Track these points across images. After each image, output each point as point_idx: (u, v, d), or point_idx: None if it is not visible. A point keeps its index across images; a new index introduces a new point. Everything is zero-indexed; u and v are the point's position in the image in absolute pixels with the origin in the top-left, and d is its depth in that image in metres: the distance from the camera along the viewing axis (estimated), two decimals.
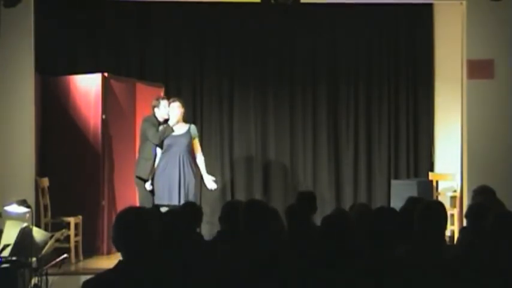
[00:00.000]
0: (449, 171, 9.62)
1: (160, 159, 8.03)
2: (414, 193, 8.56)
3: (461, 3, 8.59)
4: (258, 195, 9.80)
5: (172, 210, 5.79)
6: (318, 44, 10.11)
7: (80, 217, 8.53)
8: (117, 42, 9.81)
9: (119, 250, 3.25)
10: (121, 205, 8.96)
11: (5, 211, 6.89)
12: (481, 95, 8.47)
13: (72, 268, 7.98)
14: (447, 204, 9.28)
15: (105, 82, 8.84)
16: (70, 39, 9.53)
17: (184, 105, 8.18)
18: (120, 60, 9.87)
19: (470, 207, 4.89)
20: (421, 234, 4.23)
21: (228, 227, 5.00)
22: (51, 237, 6.87)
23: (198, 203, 7.93)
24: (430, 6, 9.89)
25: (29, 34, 8.10)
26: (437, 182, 9.70)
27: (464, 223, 5.03)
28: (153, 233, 3.25)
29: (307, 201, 5.98)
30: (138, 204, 7.89)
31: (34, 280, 6.45)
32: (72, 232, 8.28)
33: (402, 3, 9.57)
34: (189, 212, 5.30)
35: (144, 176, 8.16)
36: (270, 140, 10.16)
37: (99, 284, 3.18)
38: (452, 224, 9.13)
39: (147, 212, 3.37)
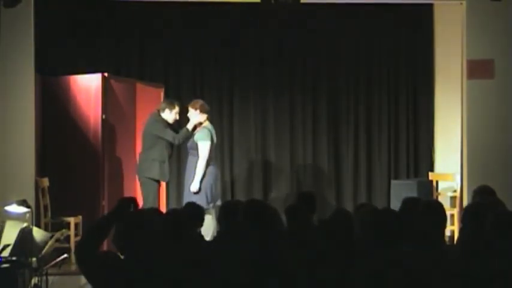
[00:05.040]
0: (449, 171, 9.61)
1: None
2: (414, 193, 8.57)
3: (461, 3, 8.59)
4: (258, 195, 9.80)
5: (173, 210, 5.79)
6: (318, 44, 10.10)
7: (80, 217, 8.53)
8: (117, 42, 9.81)
9: (119, 250, 3.26)
10: None
11: (5, 211, 6.89)
12: (481, 95, 8.47)
13: (72, 268, 7.96)
14: (447, 204, 9.28)
15: (105, 82, 8.83)
16: (70, 39, 9.53)
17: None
18: (120, 60, 9.87)
19: (466, 208, 4.90)
20: (420, 234, 4.23)
21: (228, 227, 5.00)
22: (51, 237, 6.87)
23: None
24: (430, 6, 9.89)
25: (29, 34, 8.10)
26: (437, 182, 9.69)
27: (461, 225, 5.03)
28: (153, 234, 3.26)
29: (307, 201, 5.99)
30: (147, 205, 7.93)
31: (34, 280, 6.46)
32: (72, 232, 8.28)
33: (402, 3, 9.57)
34: (190, 212, 5.30)
35: (160, 178, 8.29)
36: (270, 140, 10.16)
37: (110, 258, 3.19)
38: (452, 224, 9.12)
39: (147, 213, 3.38)
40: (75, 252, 3.46)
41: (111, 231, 3.37)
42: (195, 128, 8.34)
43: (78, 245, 3.51)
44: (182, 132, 8.33)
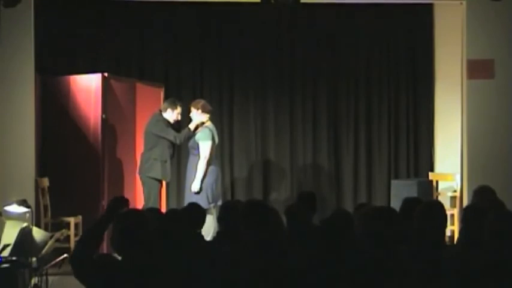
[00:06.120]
0: (449, 171, 9.62)
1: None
2: (414, 193, 8.57)
3: (461, 3, 8.59)
4: (258, 195, 9.80)
5: (174, 210, 5.78)
6: (318, 43, 10.10)
7: (80, 217, 8.54)
8: (117, 42, 9.80)
9: (118, 251, 3.25)
10: None
11: (5, 211, 6.89)
12: (481, 95, 8.47)
13: None
14: (447, 204, 9.28)
15: (105, 82, 8.84)
16: (70, 39, 9.53)
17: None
18: (120, 60, 9.87)
19: (466, 208, 4.90)
20: (420, 234, 4.23)
21: (228, 228, 5.00)
22: (51, 237, 6.87)
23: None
24: (430, 6, 9.89)
25: (29, 34, 8.11)
26: (437, 182, 9.70)
27: (460, 226, 5.03)
28: (153, 234, 3.26)
29: (307, 201, 5.99)
30: (149, 205, 7.96)
31: (34, 280, 6.45)
32: (72, 232, 8.28)
33: (402, 3, 9.57)
34: (191, 213, 5.30)
35: (162, 178, 8.33)
36: (270, 140, 10.16)
37: (108, 261, 3.18)
38: (452, 224, 9.13)
39: (147, 214, 3.38)
40: (71, 260, 3.42)
41: (105, 234, 3.37)
42: (196, 127, 8.35)
43: (74, 251, 3.47)
44: (184, 132, 8.35)
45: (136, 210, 3.56)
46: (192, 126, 8.32)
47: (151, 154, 8.30)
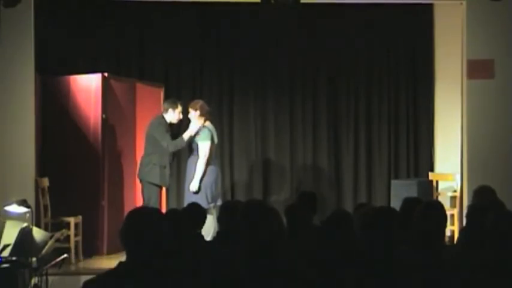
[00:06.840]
0: (449, 171, 9.62)
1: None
2: (414, 193, 8.57)
3: (461, 3, 8.59)
4: (257, 195, 9.80)
5: (174, 210, 5.79)
6: (318, 43, 10.10)
7: (80, 217, 8.53)
8: (117, 42, 9.81)
9: (125, 247, 3.25)
10: (121, 205, 8.97)
11: (5, 211, 6.89)
12: (481, 95, 8.47)
13: (72, 268, 7.98)
14: (447, 204, 9.28)
15: (105, 82, 8.84)
16: (70, 39, 9.53)
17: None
18: (120, 60, 9.87)
19: (470, 207, 4.90)
20: (420, 234, 4.23)
21: (228, 228, 5.00)
22: (51, 237, 6.87)
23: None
24: (430, 6, 9.89)
25: (29, 34, 8.10)
26: (437, 182, 9.70)
27: (465, 223, 5.03)
28: (161, 235, 3.26)
29: (307, 201, 5.99)
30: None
31: (34, 280, 6.46)
32: (72, 232, 8.28)
33: (402, 3, 9.58)
34: (191, 213, 5.30)
35: (161, 183, 8.31)
36: (270, 140, 10.17)
37: (100, 284, 3.18)
38: (452, 224, 9.13)
39: (157, 213, 3.39)
40: None
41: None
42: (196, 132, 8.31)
43: None
44: (177, 140, 8.25)
45: (148, 209, 3.57)
46: (186, 136, 8.23)
47: (151, 159, 8.26)
